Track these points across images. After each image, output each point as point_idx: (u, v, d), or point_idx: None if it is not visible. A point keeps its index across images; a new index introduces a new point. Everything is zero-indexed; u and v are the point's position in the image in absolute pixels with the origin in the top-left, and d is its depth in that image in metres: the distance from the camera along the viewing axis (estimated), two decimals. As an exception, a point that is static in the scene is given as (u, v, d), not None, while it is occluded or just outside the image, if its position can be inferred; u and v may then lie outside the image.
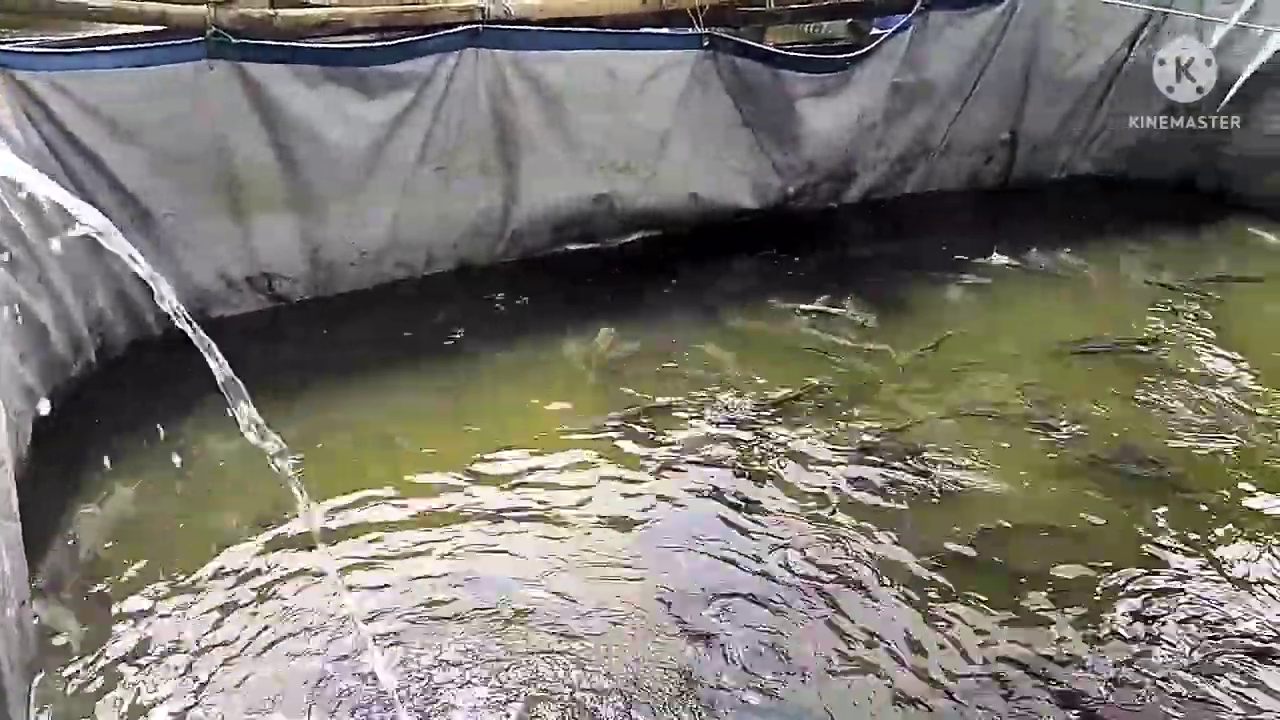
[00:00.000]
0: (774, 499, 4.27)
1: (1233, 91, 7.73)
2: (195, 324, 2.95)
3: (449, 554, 3.89)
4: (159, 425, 4.52)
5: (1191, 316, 6.01)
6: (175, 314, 2.86)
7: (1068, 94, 7.95)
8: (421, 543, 3.94)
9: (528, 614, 3.60)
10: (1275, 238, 7.27)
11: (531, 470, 4.39)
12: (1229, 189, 7.86)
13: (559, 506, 4.17)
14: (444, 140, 5.78)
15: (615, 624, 3.56)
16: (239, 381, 2.96)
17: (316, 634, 3.50)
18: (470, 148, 5.88)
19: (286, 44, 5.22)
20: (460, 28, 5.58)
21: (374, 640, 3.40)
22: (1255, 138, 7.76)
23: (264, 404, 3.14)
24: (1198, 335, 5.78)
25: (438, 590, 3.71)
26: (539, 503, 4.19)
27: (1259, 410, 4.97)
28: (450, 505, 4.16)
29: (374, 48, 5.45)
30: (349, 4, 5.37)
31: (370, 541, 3.94)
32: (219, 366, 2.87)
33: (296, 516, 3.79)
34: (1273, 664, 3.49)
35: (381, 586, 3.72)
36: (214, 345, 2.90)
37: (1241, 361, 5.46)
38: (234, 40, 5.05)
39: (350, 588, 3.63)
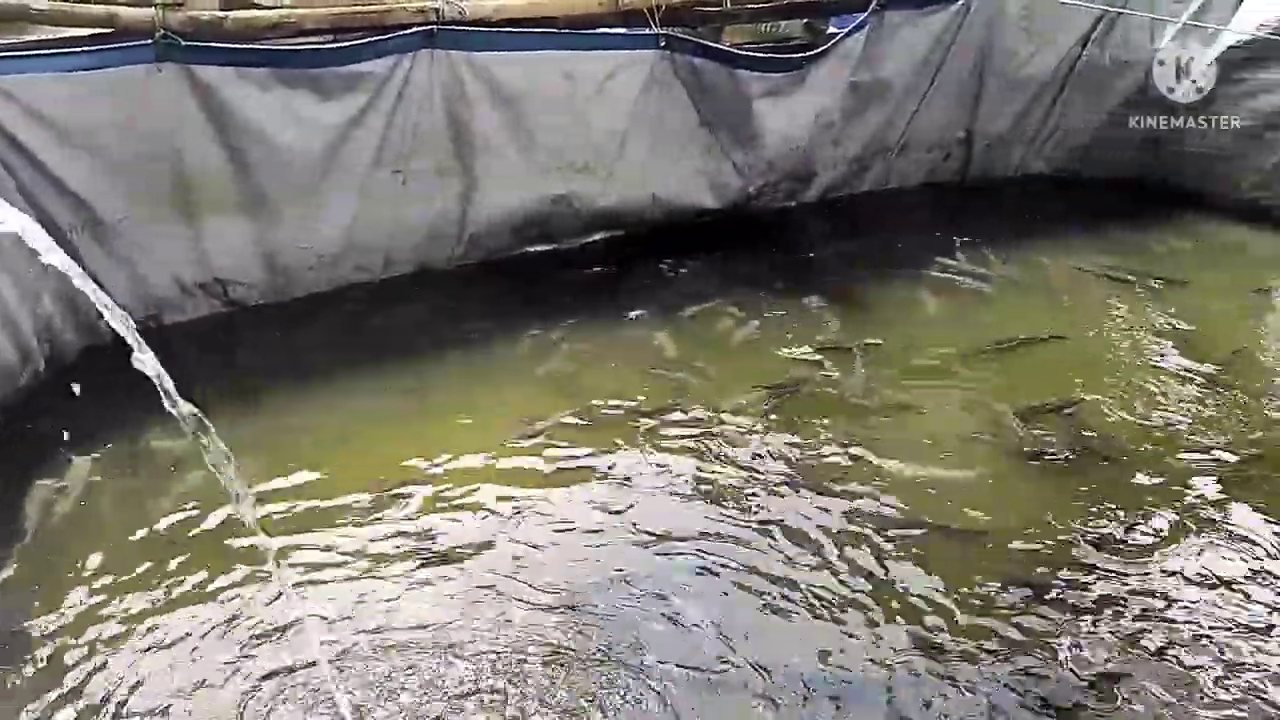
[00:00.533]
0: (733, 489, 4.31)
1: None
2: (133, 326, 2.89)
3: (399, 560, 3.86)
4: (109, 433, 4.47)
5: (1140, 311, 6.13)
6: (104, 311, 2.81)
7: (1022, 93, 8.04)
8: (373, 552, 3.91)
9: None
10: (1227, 233, 7.42)
11: (485, 471, 4.38)
12: (1181, 186, 7.98)
13: (513, 507, 4.16)
14: (400, 142, 5.74)
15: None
16: (170, 387, 2.91)
17: (262, 639, 3.47)
18: (426, 150, 5.84)
19: (237, 46, 5.17)
20: (415, 29, 5.54)
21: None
22: (1209, 134, 7.90)
23: (218, 409, 3.11)
24: (1146, 329, 5.88)
25: (384, 592, 3.69)
26: (496, 500, 4.19)
27: (1205, 401, 5.07)
28: (406, 507, 4.14)
29: (327, 49, 5.41)
30: (301, 5, 5.31)
31: (322, 551, 3.89)
32: (152, 368, 2.82)
33: (249, 524, 3.75)
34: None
35: (330, 595, 3.70)
36: (143, 342, 2.84)
37: (1184, 354, 5.57)
38: (183, 43, 4.99)
39: (301, 595, 3.61)
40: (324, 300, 5.82)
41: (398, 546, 3.92)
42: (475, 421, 4.75)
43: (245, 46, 5.21)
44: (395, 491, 4.22)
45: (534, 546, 3.95)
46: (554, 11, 5.97)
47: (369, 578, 3.76)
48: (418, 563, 3.84)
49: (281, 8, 5.29)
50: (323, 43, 5.50)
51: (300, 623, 3.44)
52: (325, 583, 3.72)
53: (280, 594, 3.57)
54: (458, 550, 3.91)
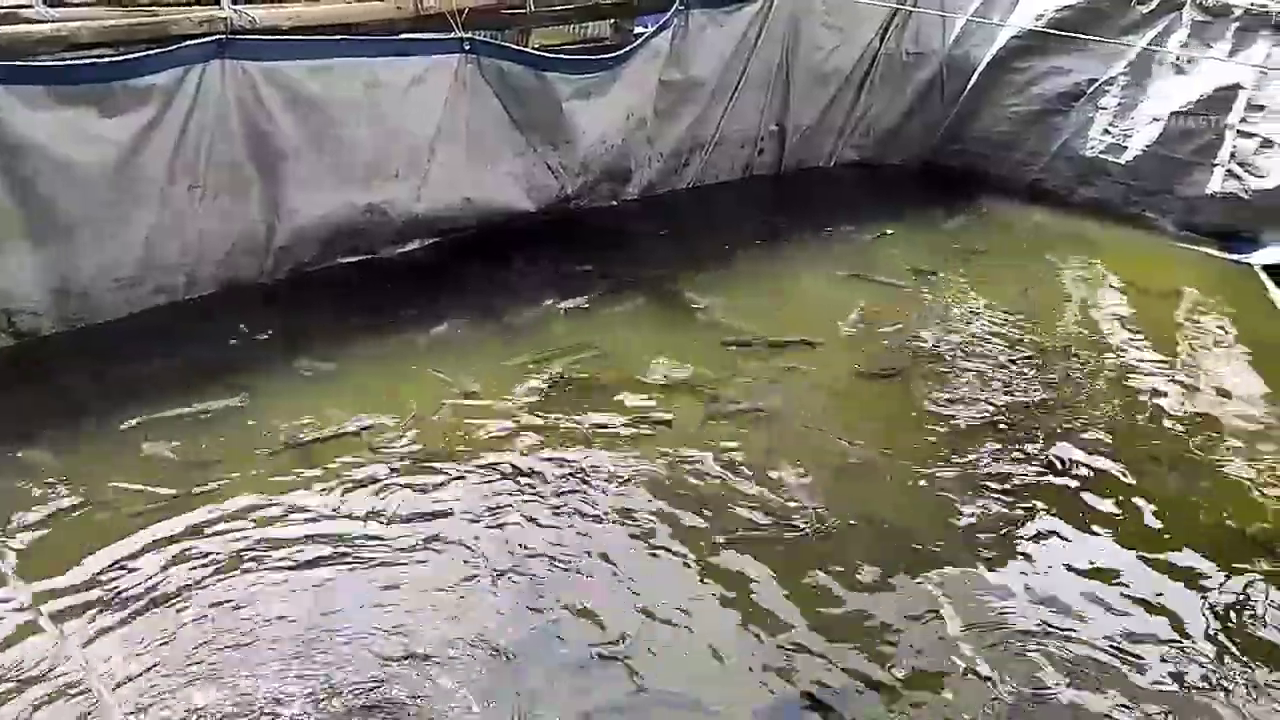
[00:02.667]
0: (545, 473, 4.46)
1: (973, 80, 8.37)
2: None
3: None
4: None
5: (944, 282, 6.69)
6: None
7: (829, 86, 8.40)
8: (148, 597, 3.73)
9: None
10: (1014, 211, 8.01)
11: (276, 500, 4.27)
12: (975, 169, 8.49)
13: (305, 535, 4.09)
14: (195, 156, 5.53)
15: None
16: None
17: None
18: (225, 163, 5.65)
19: (6, 64, 4.87)
20: (203, 40, 5.35)
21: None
22: (993, 120, 8.42)
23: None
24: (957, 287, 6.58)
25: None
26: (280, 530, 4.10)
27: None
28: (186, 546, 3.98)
29: (106, 63, 5.15)
30: (74, 19, 5.06)
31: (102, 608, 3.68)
32: None
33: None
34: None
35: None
36: None
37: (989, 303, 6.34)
38: (-58, 62, 4.69)
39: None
40: (123, 326, 5.50)
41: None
42: (266, 456, 4.54)
43: (14, 64, 4.91)
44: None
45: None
46: (352, 19, 5.89)
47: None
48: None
49: (52, 21, 5.02)
50: (104, 57, 5.25)
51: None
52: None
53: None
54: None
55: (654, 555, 4.09)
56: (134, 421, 4.65)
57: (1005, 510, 4.50)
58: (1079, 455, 4.92)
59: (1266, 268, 7.09)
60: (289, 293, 5.94)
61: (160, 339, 5.40)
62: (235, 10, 5.43)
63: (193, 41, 5.35)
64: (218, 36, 5.39)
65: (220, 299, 5.84)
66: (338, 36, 5.84)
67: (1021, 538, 4.37)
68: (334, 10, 5.83)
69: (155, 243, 5.57)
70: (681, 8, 7.08)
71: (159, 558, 3.88)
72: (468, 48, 6.20)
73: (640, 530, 4.21)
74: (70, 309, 5.46)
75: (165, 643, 3.49)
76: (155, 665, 3.40)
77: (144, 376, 5.03)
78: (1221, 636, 3.87)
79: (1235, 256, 7.30)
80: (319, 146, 5.92)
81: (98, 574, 3.78)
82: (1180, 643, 3.83)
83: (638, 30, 7.49)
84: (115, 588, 3.72)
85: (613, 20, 7.70)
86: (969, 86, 8.42)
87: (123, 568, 3.81)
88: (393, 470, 4.45)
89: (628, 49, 6.97)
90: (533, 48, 6.97)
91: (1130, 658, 3.73)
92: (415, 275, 6.28)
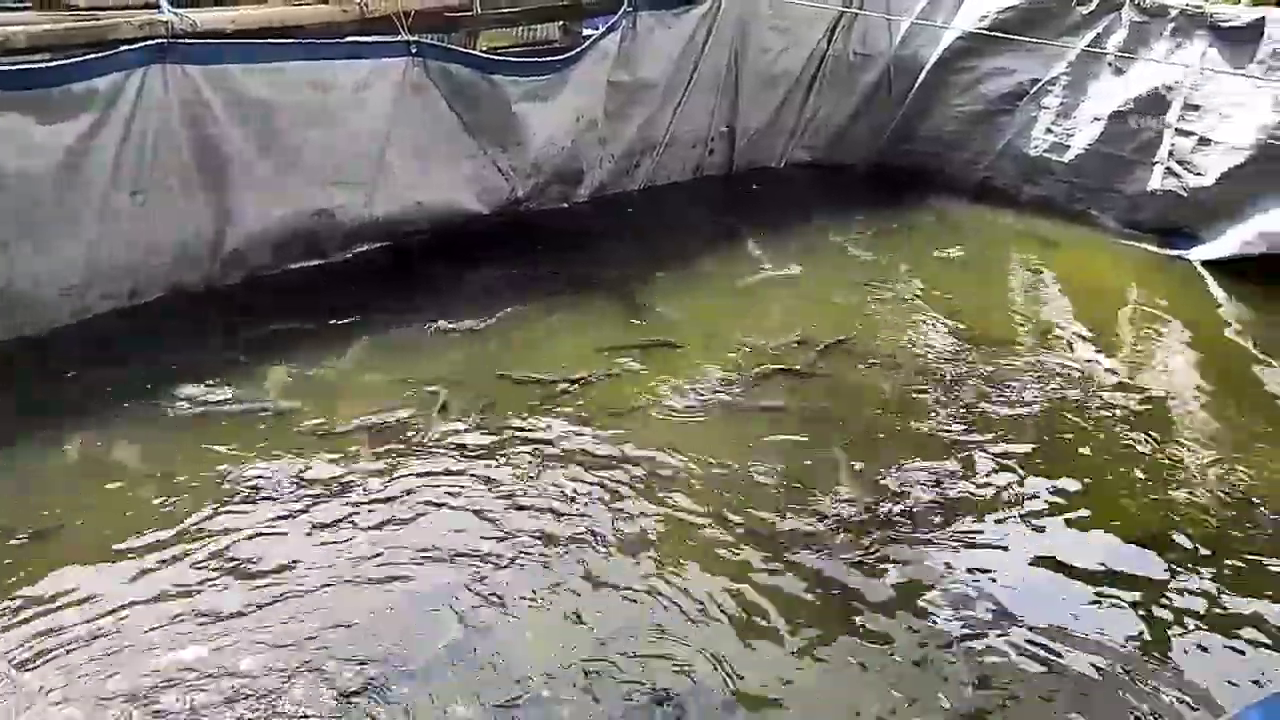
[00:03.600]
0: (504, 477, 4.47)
1: (920, 80, 8.49)
2: None
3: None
4: None
5: (892, 280, 6.81)
6: None
7: (778, 87, 8.48)
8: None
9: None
10: (963, 209, 8.14)
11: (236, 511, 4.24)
12: (924, 168, 8.60)
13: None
14: (138, 162, 5.46)
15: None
16: None
17: None
18: (169, 168, 5.59)
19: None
20: (143, 44, 5.29)
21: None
22: (940, 120, 8.54)
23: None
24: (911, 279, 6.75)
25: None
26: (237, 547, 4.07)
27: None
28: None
29: (41, 69, 5.07)
30: (8, 23, 4.98)
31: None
32: None
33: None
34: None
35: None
36: None
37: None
38: None
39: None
40: (68, 335, 5.41)
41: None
42: (217, 468, 4.47)
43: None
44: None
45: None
46: (296, 21, 5.85)
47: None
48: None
49: (-14, 26, 4.94)
50: (41, 62, 5.17)
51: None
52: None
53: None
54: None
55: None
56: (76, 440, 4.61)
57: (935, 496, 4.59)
58: (1010, 447, 5.00)
59: (1206, 263, 7.25)
60: (243, 296, 5.88)
61: (102, 348, 5.32)
62: (176, 14, 5.37)
63: (133, 46, 5.30)
64: (159, 40, 5.34)
65: (168, 305, 5.77)
66: (282, 39, 5.81)
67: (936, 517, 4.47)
68: (277, 13, 5.80)
69: (100, 251, 5.50)
70: (629, 10, 7.12)
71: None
72: (414, 50, 6.18)
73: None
74: (14, 318, 5.37)
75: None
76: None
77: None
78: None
79: (1176, 252, 7.45)
80: (266, 151, 5.88)
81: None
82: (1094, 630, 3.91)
83: (586, 32, 7.52)
84: None
85: (561, 22, 7.72)
86: (916, 87, 8.53)
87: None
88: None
89: (576, 51, 6.99)
90: (481, 50, 6.97)
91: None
92: (368, 279, 6.23)
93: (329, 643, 3.55)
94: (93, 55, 5.16)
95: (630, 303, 6.22)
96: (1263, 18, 7.05)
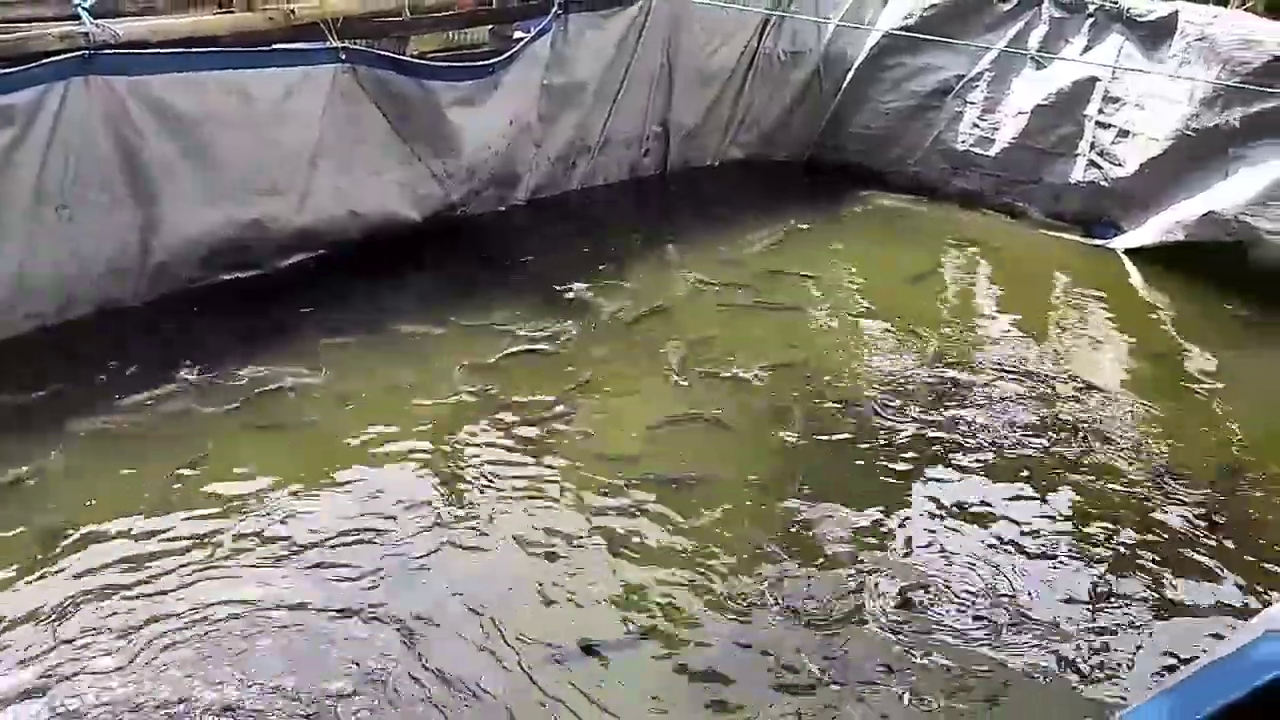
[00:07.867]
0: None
1: (849, 77, 8.62)
2: None
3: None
4: None
5: (827, 272, 6.99)
6: None
7: (710, 86, 8.55)
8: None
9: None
10: (893, 203, 8.29)
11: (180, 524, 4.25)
12: (852, 164, 8.74)
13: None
14: (62, 176, 5.36)
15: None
16: None
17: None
18: (93, 181, 5.48)
19: None
20: (63, 56, 5.20)
21: None
22: (870, 116, 8.68)
23: None
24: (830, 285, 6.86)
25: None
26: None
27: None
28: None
29: (-44, 83, 4.98)
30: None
31: None
32: None
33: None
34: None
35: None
36: None
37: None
38: None
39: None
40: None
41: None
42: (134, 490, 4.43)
43: None
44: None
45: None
46: (220, 30, 5.78)
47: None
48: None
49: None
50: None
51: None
52: None
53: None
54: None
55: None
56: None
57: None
58: (942, 433, 5.18)
59: (1128, 251, 7.47)
60: (173, 310, 5.76)
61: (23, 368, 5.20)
62: (97, 25, 5.28)
63: (53, 59, 5.21)
64: (80, 52, 5.25)
65: (95, 322, 5.67)
66: (206, 49, 5.73)
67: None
68: (201, 23, 5.73)
69: (25, 268, 5.39)
70: (560, 12, 7.14)
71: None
72: (344, 57, 6.14)
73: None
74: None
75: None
76: None
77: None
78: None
79: (1099, 241, 7.67)
80: (193, 162, 5.80)
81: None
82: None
83: (518, 35, 7.51)
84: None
85: (491, 26, 7.70)
86: (846, 83, 8.66)
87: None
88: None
89: (508, 54, 6.98)
90: (411, 55, 6.93)
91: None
92: (302, 289, 6.13)
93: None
94: (12, 70, 5.06)
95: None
96: (1176, 11, 7.28)
